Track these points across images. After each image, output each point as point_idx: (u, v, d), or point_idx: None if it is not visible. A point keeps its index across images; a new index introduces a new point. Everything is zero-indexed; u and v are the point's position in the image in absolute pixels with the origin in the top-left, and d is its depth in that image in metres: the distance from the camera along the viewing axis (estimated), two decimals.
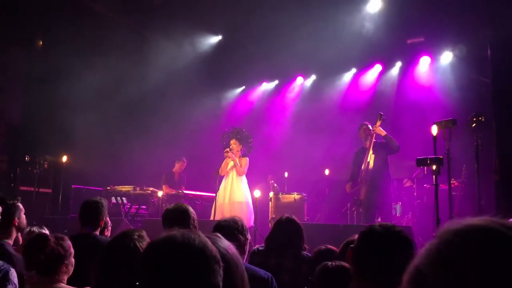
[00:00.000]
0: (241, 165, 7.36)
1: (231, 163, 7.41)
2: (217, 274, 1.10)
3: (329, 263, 2.12)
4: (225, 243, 1.40)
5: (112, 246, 1.69)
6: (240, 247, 2.72)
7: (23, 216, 3.36)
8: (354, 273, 1.69)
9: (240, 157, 7.48)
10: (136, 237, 1.67)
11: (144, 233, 1.75)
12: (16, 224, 3.29)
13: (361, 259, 1.67)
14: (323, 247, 3.06)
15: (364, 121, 7.14)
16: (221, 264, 1.12)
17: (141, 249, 1.62)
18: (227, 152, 7.34)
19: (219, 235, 1.46)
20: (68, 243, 2.52)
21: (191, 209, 3.18)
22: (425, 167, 7.06)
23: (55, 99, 8.46)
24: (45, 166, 8.47)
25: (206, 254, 1.09)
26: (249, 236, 2.87)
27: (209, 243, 1.13)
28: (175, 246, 1.09)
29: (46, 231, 3.38)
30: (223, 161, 7.46)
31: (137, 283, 1.02)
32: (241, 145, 7.51)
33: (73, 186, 8.60)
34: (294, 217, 3.47)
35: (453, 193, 6.11)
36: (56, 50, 8.70)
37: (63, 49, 8.62)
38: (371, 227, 1.73)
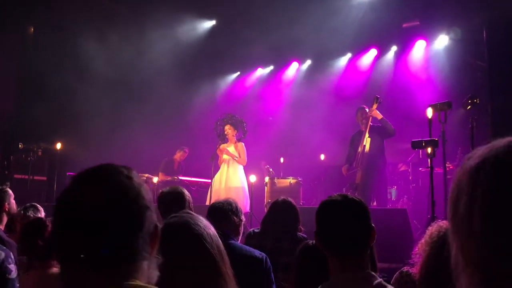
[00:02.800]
0: (239, 155, 7.33)
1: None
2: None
3: (310, 241, 2.12)
4: (196, 219, 1.42)
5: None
6: (235, 228, 2.72)
7: (13, 201, 3.36)
8: (325, 252, 1.69)
9: (235, 142, 7.45)
10: None
11: None
12: (6, 209, 3.31)
13: (323, 231, 1.67)
14: None
15: (360, 105, 7.12)
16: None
17: None
18: (220, 151, 7.31)
19: (189, 211, 1.50)
20: None
21: (186, 192, 3.18)
22: (421, 151, 7.09)
23: (48, 86, 8.39)
24: (39, 153, 8.42)
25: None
26: (243, 218, 2.87)
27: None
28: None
29: (42, 213, 3.37)
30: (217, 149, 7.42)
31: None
32: (236, 130, 7.47)
33: (68, 173, 8.56)
34: (289, 199, 3.46)
35: (448, 177, 6.12)
36: (48, 37, 8.60)
37: (55, 36, 8.53)
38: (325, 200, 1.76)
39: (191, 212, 1.50)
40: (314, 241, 2.03)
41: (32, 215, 3.56)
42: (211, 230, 1.44)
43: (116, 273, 0.92)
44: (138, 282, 0.94)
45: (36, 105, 8.39)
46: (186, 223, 1.40)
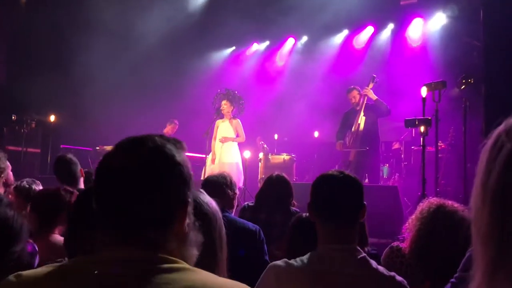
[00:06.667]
0: (237, 132, 7.36)
1: (221, 126, 7.40)
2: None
3: (304, 214, 2.17)
4: (206, 198, 1.42)
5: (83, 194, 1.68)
6: (229, 201, 2.77)
7: (10, 173, 3.36)
8: (316, 222, 1.74)
9: (231, 118, 7.46)
10: None
11: None
12: (4, 181, 3.30)
13: (317, 202, 1.73)
14: None
15: (354, 84, 7.13)
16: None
17: None
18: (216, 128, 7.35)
19: (201, 190, 1.48)
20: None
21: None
22: (414, 129, 7.14)
23: (41, 57, 8.29)
24: (33, 125, 8.37)
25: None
26: (237, 191, 2.92)
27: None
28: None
29: (40, 186, 3.40)
30: (212, 124, 7.44)
31: None
32: (232, 106, 7.46)
33: (62, 146, 8.55)
34: (284, 174, 3.53)
35: (439, 155, 6.19)
36: (40, 7, 8.44)
37: (47, 7, 8.37)
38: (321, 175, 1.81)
39: (200, 190, 1.49)
40: (307, 214, 2.07)
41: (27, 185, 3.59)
42: (215, 206, 1.42)
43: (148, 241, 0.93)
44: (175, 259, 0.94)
45: (29, 76, 8.30)
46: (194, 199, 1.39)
